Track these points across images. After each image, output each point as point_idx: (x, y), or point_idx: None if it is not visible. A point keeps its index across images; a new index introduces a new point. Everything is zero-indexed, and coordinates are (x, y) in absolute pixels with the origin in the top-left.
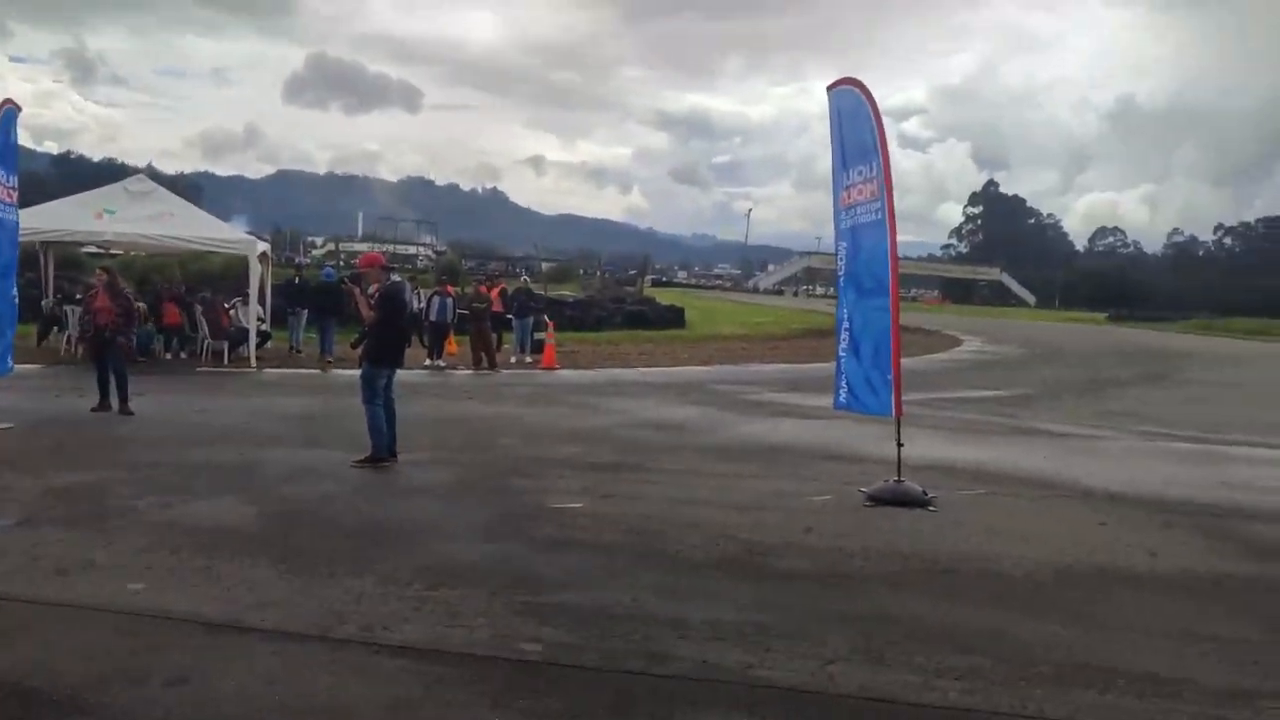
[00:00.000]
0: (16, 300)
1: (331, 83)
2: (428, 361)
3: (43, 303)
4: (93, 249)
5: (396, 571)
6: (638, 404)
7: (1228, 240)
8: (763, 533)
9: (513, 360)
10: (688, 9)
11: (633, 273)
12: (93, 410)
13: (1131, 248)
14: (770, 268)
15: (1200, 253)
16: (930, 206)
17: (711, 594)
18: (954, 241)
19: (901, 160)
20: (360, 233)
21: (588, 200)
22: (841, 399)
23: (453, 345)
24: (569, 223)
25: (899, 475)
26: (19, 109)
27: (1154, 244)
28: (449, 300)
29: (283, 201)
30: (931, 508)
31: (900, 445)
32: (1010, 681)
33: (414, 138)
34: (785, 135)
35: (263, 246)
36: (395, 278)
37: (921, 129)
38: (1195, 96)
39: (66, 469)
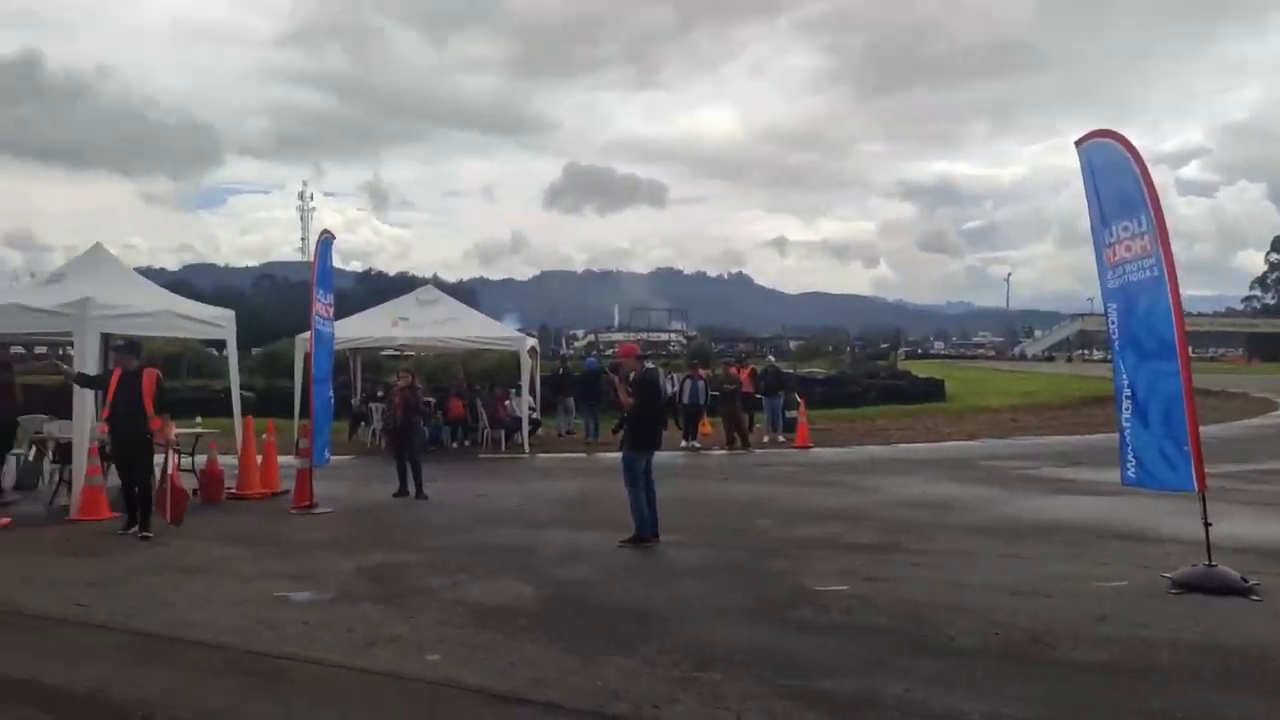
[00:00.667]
0: (332, 400)
1: (585, 188)
2: (683, 443)
3: (352, 401)
4: (391, 352)
5: (663, 652)
6: (898, 482)
7: None
8: (1047, 620)
9: (765, 440)
10: (922, 80)
11: (885, 346)
12: (394, 495)
13: None
14: (1037, 333)
15: None
16: (1223, 256)
17: (991, 686)
18: (1257, 292)
19: (1182, 207)
20: (616, 323)
21: (832, 276)
22: (1130, 473)
23: (707, 426)
24: (814, 300)
25: (1209, 558)
26: (334, 237)
27: None
28: (701, 383)
29: (546, 299)
30: (1255, 596)
31: (1208, 524)
32: None
33: (662, 231)
34: (1041, 193)
35: (531, 342)
36: (650, 365)
37: (1203, 172)
38: None
39: (373, 549)
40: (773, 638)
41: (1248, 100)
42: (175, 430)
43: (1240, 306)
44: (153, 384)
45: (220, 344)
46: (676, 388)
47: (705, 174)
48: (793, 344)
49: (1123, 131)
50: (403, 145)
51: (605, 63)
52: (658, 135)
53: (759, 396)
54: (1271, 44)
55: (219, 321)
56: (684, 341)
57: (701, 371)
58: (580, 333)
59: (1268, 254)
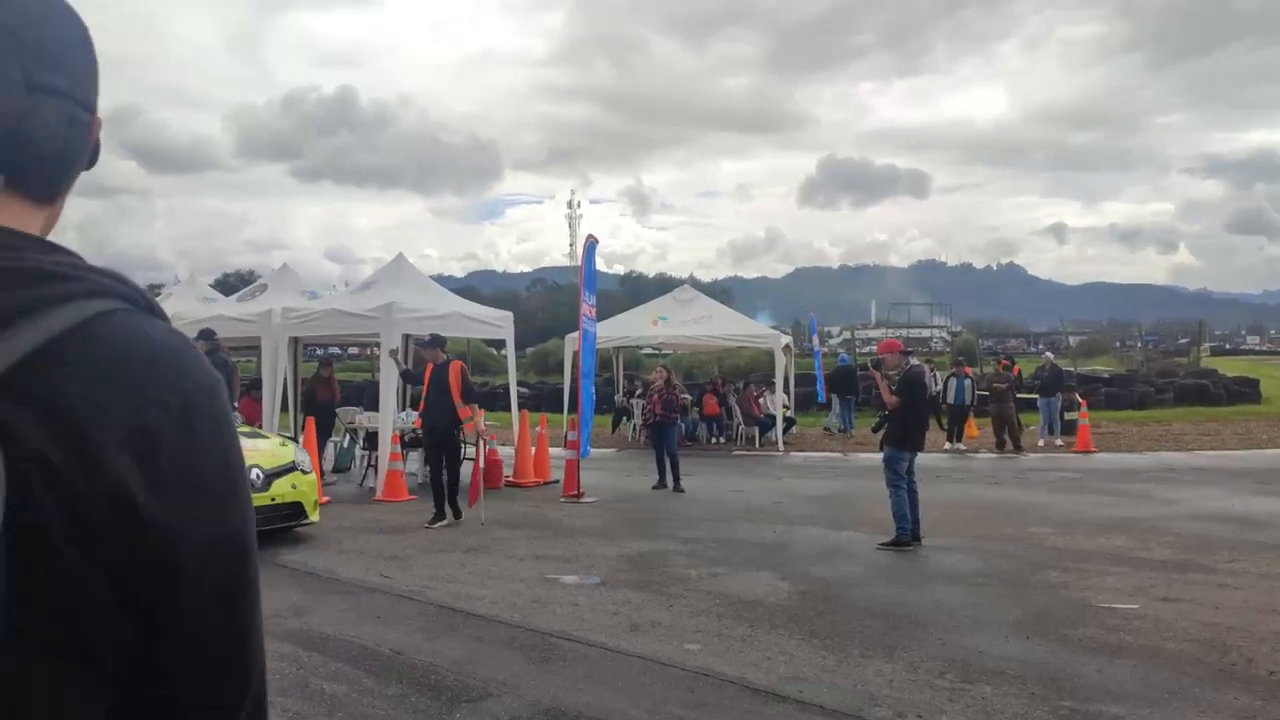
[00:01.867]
0: (594, 396)
1: (841, 182)
2: (947, 445)
3: (615, 397)
4: (649, 350)
5: (926, 659)
6: (1199, 493)
7: None
8: None
9: (1040, 443)
10: (1234, 37)
11: (1184, 341)
12: (653, 488)
13: None
14: None
15: None
16: None
17: None
18: None
19: None
20: (874, 319)
21: (1119, 265)
22: None
23: (973, 428)
24: (1097, 291)
25: None
26: (597, 241)
27: None
28: (967, 381)
29: (800, 296)
30: None
31: None
32: None
33: (923, 222)
34: None
35: (785, 339)
36: (914, 362)
37: None
38: None
39: (635, 538)
40: (1050, 655)
41: None
42: (484, 420)
43: None
44: (459, 376)
45: (500, 343)
46: (940, 386)
47: (972, 160)
48: (1073, 339)
49: None
50: (662, 150)
51: (863, 51)
52: (920, 123)
53: (1033, 397)
54: None
55: (499, 322)
56: (947, 338)
57: (968, 369)
58: (835, 329)
59: None
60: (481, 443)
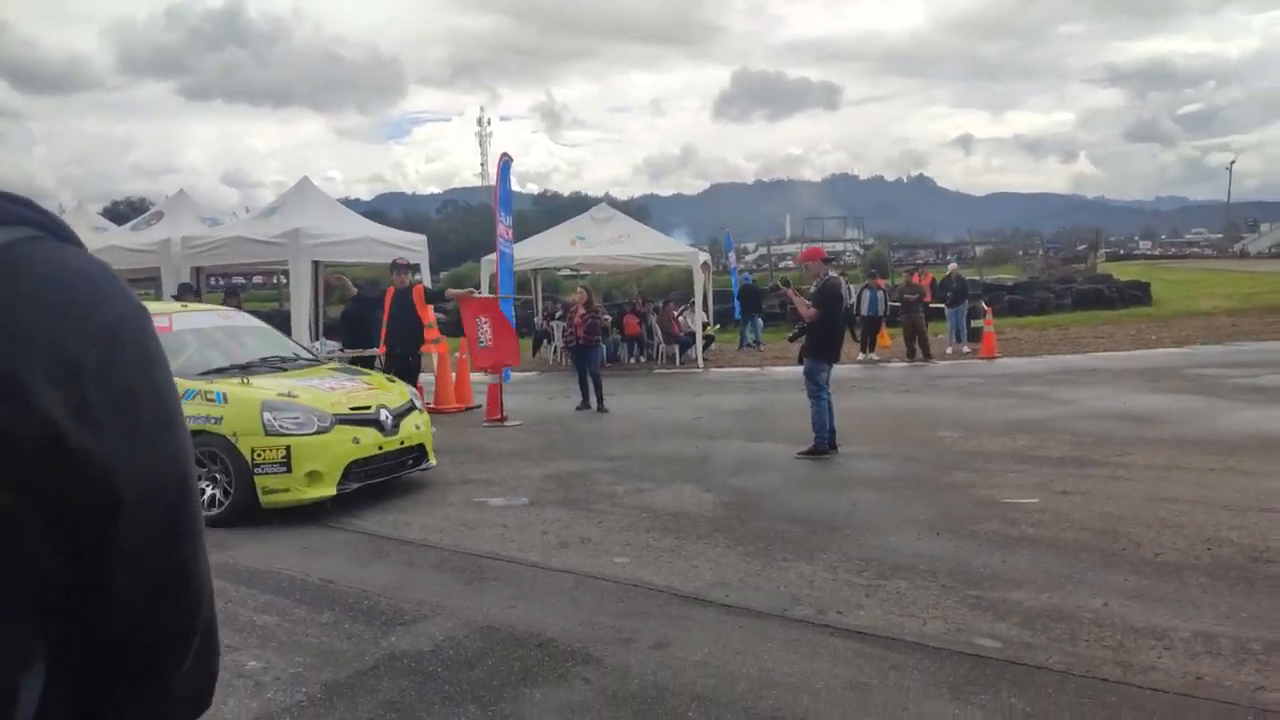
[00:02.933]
0: (514, 320)
1: (755, 95)
2: (860, 355)
3: (534, 320)
4: (567, 271)
5: (845, 560)
6: (1095, 393)
7: None
8: (1267, 537)
9: (949, 351)
10: None
11: (1082, 248)
12: (576, 409)
13: None
14: (1264, 227)
15: None
16: None
17: (1200, 603)
18: None
19: None
20: (788, 234)
21: (1024, 175)
22: None
23: (885, 338)
24: (1003, 201)
25: None
26: (511, 160)
27: None
28: (879, 293)
29: (716, 212)
30: None
31: None
32: None
33: (835, 136)
34: (1274, 69)
35: (704, 257)
36: (832, 274)
37: None
38: None
39: (560, 458)
40: (959, 549)
41: None
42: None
43: None
44: (423, 299)
45: (414, 268)
46: (853, 298)
47: (883, 72)
48: (979, 249)
49: None
50: (573, 63)
51: None
52: (832, 34)
53: (941, 306)
54: None
55: (413, 246)
56: (860, 251)
57: (880, 281)
58: (752, 245)
59: None
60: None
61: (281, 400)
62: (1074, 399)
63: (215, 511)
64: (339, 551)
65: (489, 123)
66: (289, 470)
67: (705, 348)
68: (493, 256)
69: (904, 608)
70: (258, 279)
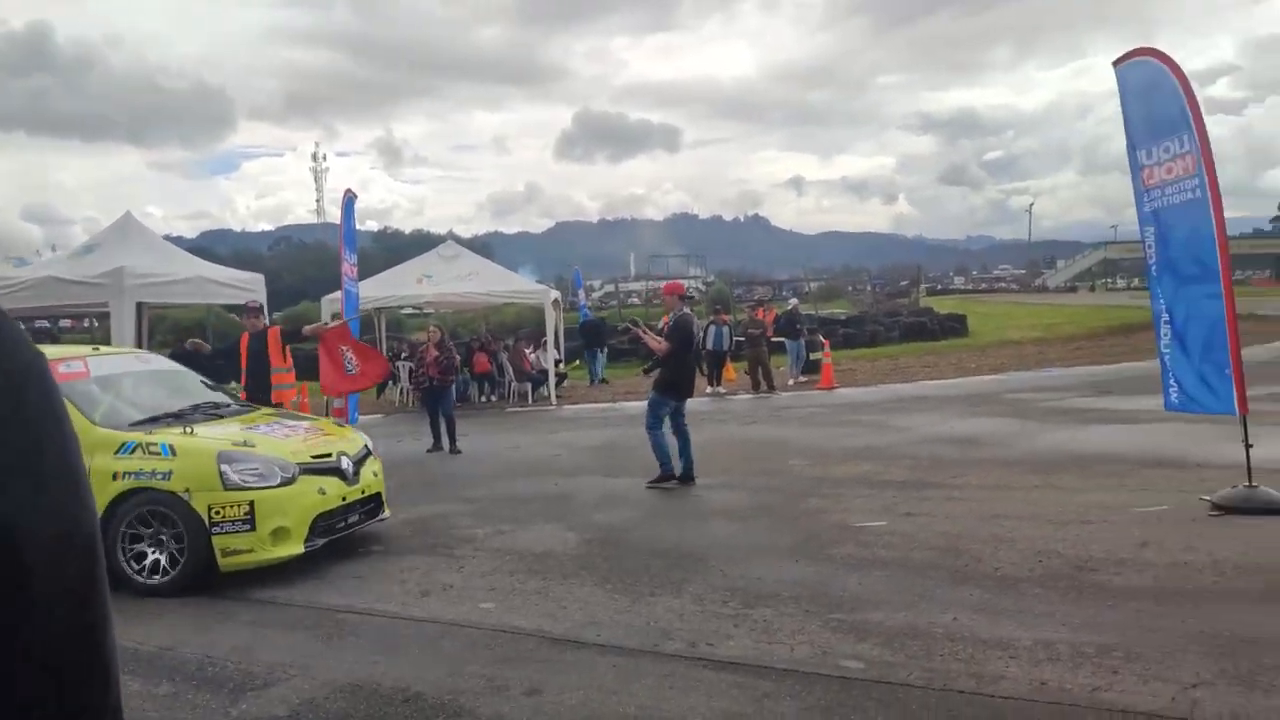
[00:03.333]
0: None
1: (597, 135)
2: (709, 389)
3: None
4: (410, 310)
5: (711, 591)
6: (926, 418)
7: None
8: (1089, 547)
9: (791, 383)
10: (941, 7)
11: (905, 284)
12: (428, 451)
13: None
14: (1059, 264)
15: None
16: (1251, 175)
17: (1039, 613)
18: None
19: (1211, 127)
20: (633, 271)
21: (851, 215)
22: (1173, 399)
23: (730, 371)
24: (833, 240)
25: (1250, 480)
26: (355, 196)
27: None
28: (725, 328)
29: (561, 250)
30: None
31: (1249, 446)
32: None
33: (676, 176)
34: (1064, 120)
35: (555, 294)
36: (686, 310)
37: (1232, 90)
38: None
39: (416, 502)
40: (818, 574)
41: (1277, 13)
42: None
43: (1268, 228)
44: (279, 341)
45: (240, 309)
46: (700, 334)
47: (719, 115)
48: (812, 285)
49: (1153, 48)
50: (413, 100)
51: (615, 5)
52: (671, 79)
53: (783, 340)
54: None
55: (249, 285)
56: (702, 288)
57: (724, 316)
58: (597, 282)
59: None
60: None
61: (239, 451)
62: (908, 425)
63: (161, 579)
64: (173, 614)
65: (325, 158)
66: (252, 528)
67: (558, 384)
68: (336, 295)
69: (771, 635)
70: (65, 322)
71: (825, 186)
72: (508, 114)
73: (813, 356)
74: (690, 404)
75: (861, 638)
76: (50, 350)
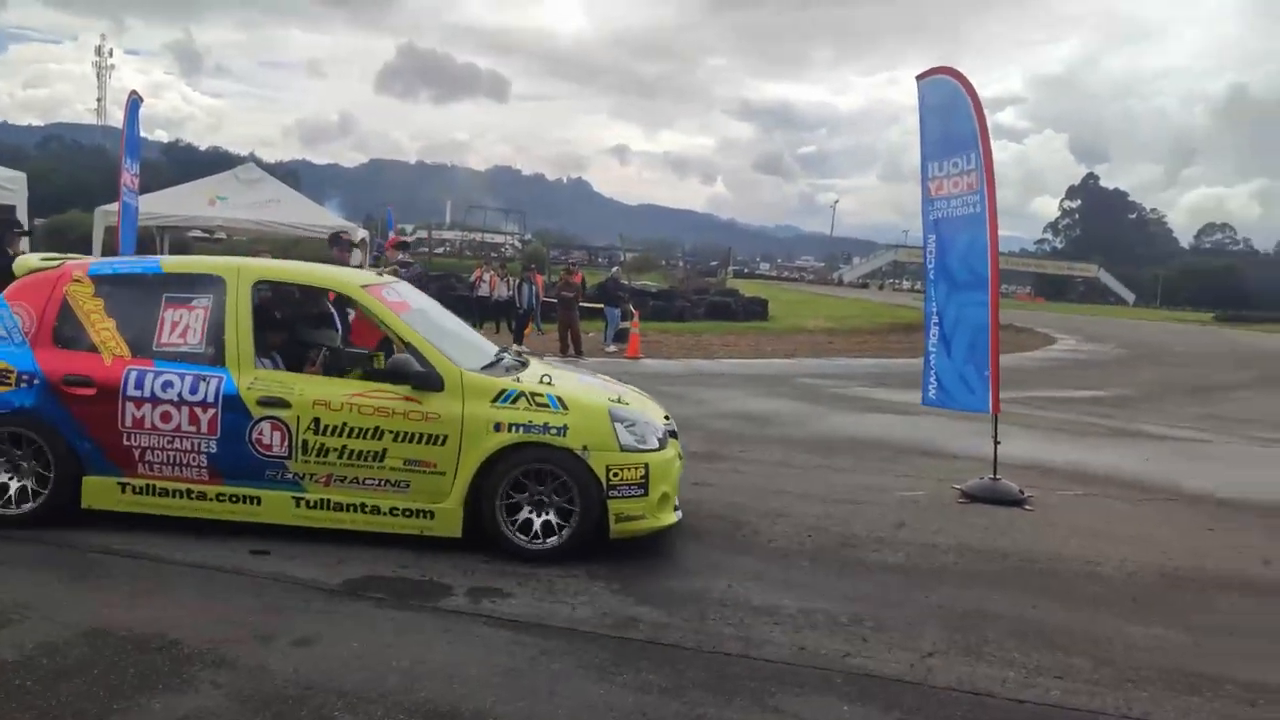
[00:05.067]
0: None
1: (422, 73)
2: (514, 348)
3: None
4: (199, 233)
5: (499, 552)
6: (723, 395)
7: None
8: (854, 526)
9: (608, 349)
10: None
11: (715, 264)
12: None
13: (1242, 245)
14: (855, 260)
15: None
16: (1024, 200)
17: (805, 584)
18: (1049, 236)
19: (995, 151)
20: (449, 220)
21: (671, 190)
22: (930, 395)
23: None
24: (651, 213)
25: (995, 473)
26: (141, 100)
27: (1267, 241)
28: (534, 287)
29: (375, 189)
30: (1028, 506)
31: (997, 443)
32: (1114, 683)
33: (502, 127)
34: (873, 126)
35: (363, 233)
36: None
37: (1018, 119)
38: None
39: None
40: (606, 543)
41: (1062, 54)
42: None
43: (1033, 248)
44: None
45: (7, 210)
46: (512, 291)
47: (552, 73)
48: (628, 255)
49: (952, 68)
50: (220, 3)
51: None
52: (502, 24)
53: (598, 306)
54: (1088, 1)
55: (8, 185)
56: (519, 245)
57: (538, 277)
58: (410, 227)
59: (1062, 201)
60: None
61: (623, 409)
62: (706, 399)
63: (551, 542)
64: None
65: (111, 54)
66: (645, 493)
67: None
68: (113, 207)
69: (555, 595)
70: None
71: (648, 158)
72: (326, 35)
73: (622, 326)
74: None
75: (642, 601)
76: (357, 276)
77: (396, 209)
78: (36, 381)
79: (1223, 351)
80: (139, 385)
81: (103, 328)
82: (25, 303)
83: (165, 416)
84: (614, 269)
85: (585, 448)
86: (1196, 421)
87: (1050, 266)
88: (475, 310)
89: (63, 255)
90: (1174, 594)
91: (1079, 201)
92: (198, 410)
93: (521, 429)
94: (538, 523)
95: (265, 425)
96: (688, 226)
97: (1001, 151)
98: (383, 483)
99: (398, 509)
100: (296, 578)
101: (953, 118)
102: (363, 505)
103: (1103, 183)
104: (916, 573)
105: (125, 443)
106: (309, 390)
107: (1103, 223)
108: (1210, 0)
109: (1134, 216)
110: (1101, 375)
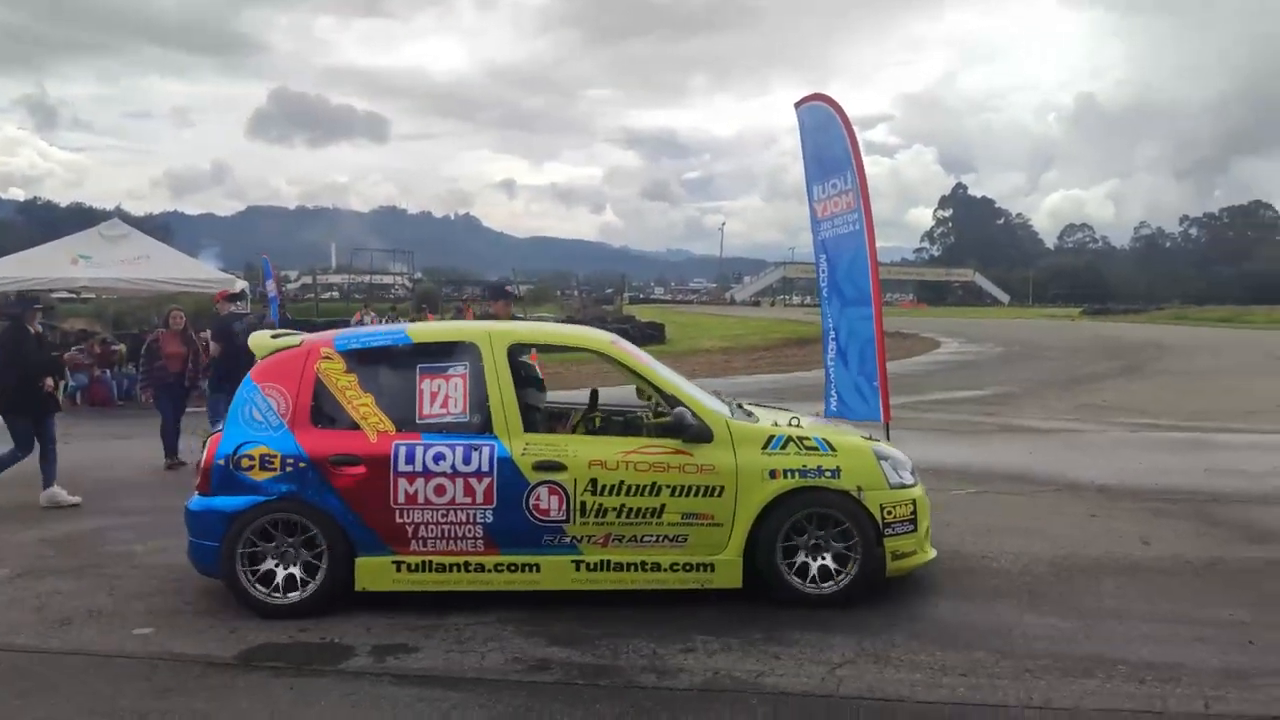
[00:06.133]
0: None
1: (296, 117)
2: None
3: None
4: (64, 294)
5: (404, 604)
6: None
7: (1193, 231)
8: None
9: None
10: (650, 30)
11: (610, 291)
12: (167, 467)
13: (1100, 243)
14: (746, 279)
15: (1167, 244)
16: (901, 211)
17: (713, 606)
18: (926, 245)
19: (870, 166)
20: (334, 264)
21: (560, 221)
22: (832, 407)
23: None
24: (543, 244)
25: None
26: None
27: (1122, 238)
28: None
29: (253, 237)
30: None
31: None
32: (1014, 675)
33: (384, 168)
34: (753, 149)
35: (241, 284)
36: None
37: (888, 136)
38: (1153, 93)
39: (61, 518)
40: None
41: (922, 73)
42: None
43: (912, 257)
44: None
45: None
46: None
47: (431, 111)
48: (522, 288)
49: (825, 94)
50: (77, 56)
51: None
52: (379, 66)
53: None
54: (940, 25)
55: None
56: (409, 285)
57: (430, 316)
58: (294, 273)
59: (935, 211)
60: None
61: (881, 446)
62: None
63: (827, 587)
64: None
65: None
66: (914, 529)
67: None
68: None
69: (463, 644)
70: None
71: (536, 191)
72: (193, 84)
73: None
74: None
75: (552, 641)
76: (604, 334)
77: (277, 255)
78: (303, 464)
79: (1091, 344)
80: (410, 459)
81: (360, 404)
82: (277, 384)
83: (439, 490)
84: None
85: (859, 488)
86: (1073, 412)
87: (930, 274)
88: None
89: (291, 330)
90: (1065, 582)
91: (951, 210)
92: (472, 480)
93: (798, 474)
94: (814, 567)
95: (542, 490)
96: (581, 256)
97: (876, 166)
98: (660, 539)
99: (677, 564)
100: (185, 654)
101: (828, 141)
102: (642, 564)
103: (971, 191)
104: None
105: (398, 520)
106: (582, 451)
107: (974, 229)
108: (1054, 20)
109: (1002, 222)
110: (984, 374)
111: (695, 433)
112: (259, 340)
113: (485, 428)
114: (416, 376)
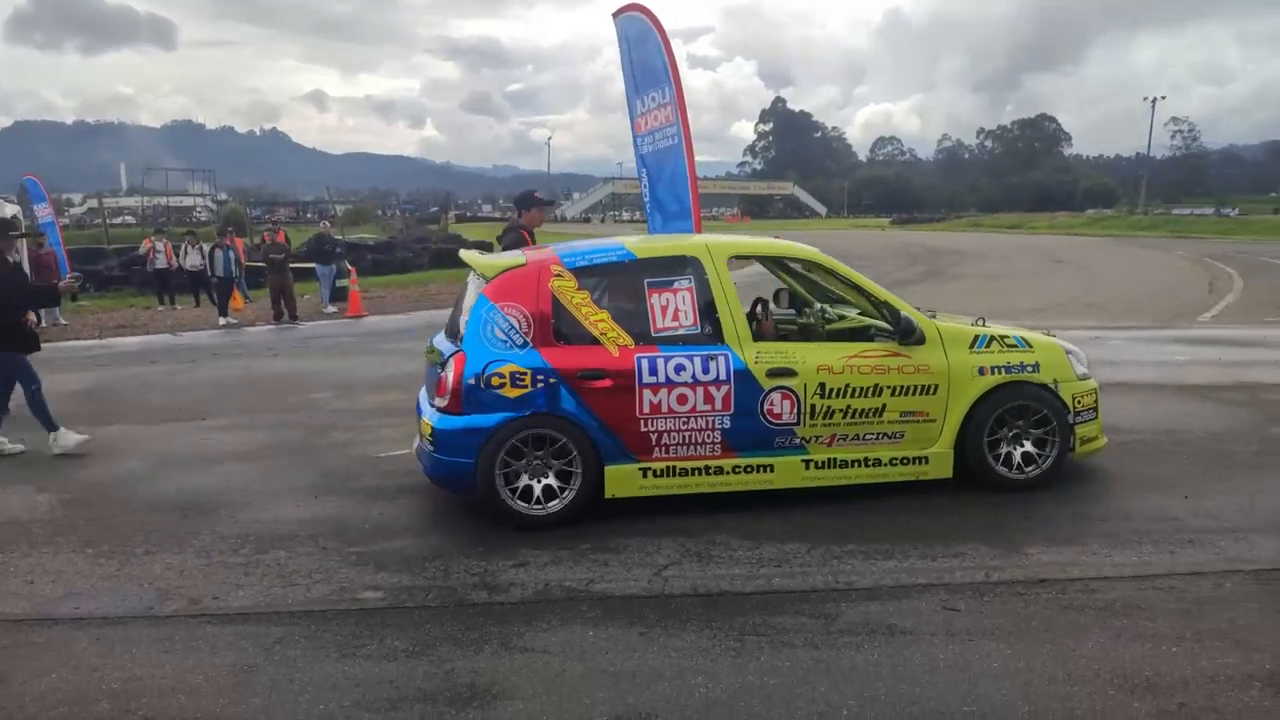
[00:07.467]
0: None
1: (64, 20)
2: (221, 321)
3: None
4: None
5: (220, 541)
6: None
7: (988, 143)
8: None
9: (326, 310)
10: None
11: (435, 210)
12: None
13: (908, 155)
14: (576, 195)
15: (966, 156)
16: (724, 124)
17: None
18: (749, 159)
19: (693, 80)
20: (125, 185)
21: (378, 137)
22: None
23: (238, 300)
24: (360, 161)
25: None
26: None
27: (927, 150)
28: (231, 252)
29: (25, 157)
30: None
31: None
32: (823, 562)
33: (175, 78)
34: (578, 60)
35: (12, 209)
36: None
37: (711, 48)
38: (953, 4)
39: None
40: (339, 509)
41: None
42: None
43: (736, 171)
44: None
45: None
46: (205, 259)
47: (225, 15)
48: (339, 208)
49: (649, 4)
50: None
51: None
52: None
53: (310, 266)
54: None
55: None
56: (213, 206)
57: (233, 240)
58: (79, 197)
59: (756, 125)
60: None
61: (1064, 341)
62: None
63: (1031, 471)
64: None
65: None
66: (1096, 416)
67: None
68: None
69: (286, 579)
70: None
71: (350, 104)
72: None
73: (339, 284)
74: (199, 339)
75: (382, 567)
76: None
77: (57, 177)
78: (552, 380)
79: (898, 251)
80: (653, 371)
81: (597, 319)
82: (516, 303)
83: (681, 399)
84: (321, 224)
85: (1055, 381)
86: None
87: (753, 187)
88: (156, 285)
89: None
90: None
91: (771, 124)
92: (711, 389)
93: (1004, 370)
94: (1017, 455)
95: (775, 395)
96: (402, 174)
97: (699, 79)
98: (880, 435)
99: (895, 459)
100: None
101: (646, 53)
102: (865, 460)
103: (790, 105)
104: (656, 504)
105: (642, 429)
106: (810, 357)
107: (793, 143)
108: None
109: (819, 135)
110: None
111: (919, 336)
112: (484, 260)
113: (716, 338)
114: (645, 291)
